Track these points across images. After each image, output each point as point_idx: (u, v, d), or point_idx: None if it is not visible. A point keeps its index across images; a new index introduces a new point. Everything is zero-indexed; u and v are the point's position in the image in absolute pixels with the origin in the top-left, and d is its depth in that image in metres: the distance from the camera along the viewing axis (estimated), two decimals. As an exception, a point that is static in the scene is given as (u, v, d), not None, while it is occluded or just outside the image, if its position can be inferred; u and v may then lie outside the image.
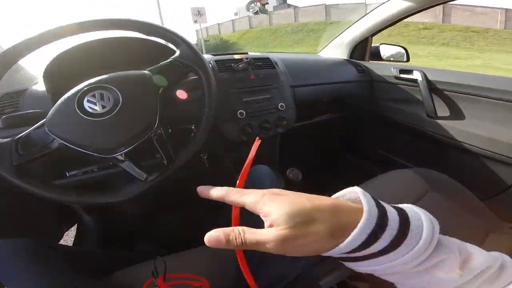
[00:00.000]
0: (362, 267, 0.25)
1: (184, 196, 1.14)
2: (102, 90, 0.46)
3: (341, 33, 1.29)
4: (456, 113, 0.98)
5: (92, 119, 0.44)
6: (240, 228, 0.24)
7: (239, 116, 0.79)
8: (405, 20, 1.11)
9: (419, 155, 1.13)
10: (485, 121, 0.90)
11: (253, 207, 0.25)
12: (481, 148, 0.89)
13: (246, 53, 0.99)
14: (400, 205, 0.26)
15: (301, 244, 0.22)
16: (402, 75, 1.08)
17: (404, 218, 0.24)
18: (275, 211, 0.23)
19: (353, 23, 1.23)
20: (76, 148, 0.43)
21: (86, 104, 0.45)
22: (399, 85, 1.12)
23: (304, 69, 1.08)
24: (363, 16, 1.18)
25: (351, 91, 1.18)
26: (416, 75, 1.01)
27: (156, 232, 1.07)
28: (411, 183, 0.83)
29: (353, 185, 0.75)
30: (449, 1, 0.95)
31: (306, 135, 1.44)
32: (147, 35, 0.55)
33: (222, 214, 0.74)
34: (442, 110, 1.01)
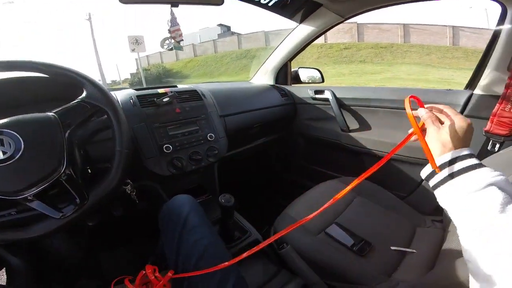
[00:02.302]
0: (440, 192, 0.37)
1: (124, 233, 1.10)
2: (1, 135, 0.45)
3: (265, 60, 1.42)
4: (363, 125, 1.15)
5: None
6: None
7: (166, 150, 0.79)
8: (329, 42, 1.29)
9: (342, 165, 1.26)
10: (385, 128, 1.08)
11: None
12: (387, 153, 1.05)
13: (175, 86, 1.02)
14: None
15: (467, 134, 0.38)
16: (317, 96, 1.23)
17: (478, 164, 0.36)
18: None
19: (273, 51, 1.37)
20: None
21: None
22: (316, 105, 1.27)
23: (233, 98, 1.14)
24: (280, 44, 1.32)
25: (278, 114, 1.28)
26: (327, 95, 1.17)
27: (98, 269, 1.02)
28: (339, 191, 0.92)
29: (291, 200, 0.86)
30: (343, 22, 1.11)
31: (246, 160, 1.50)
32: (50, 76, 0.54)
33: (158, 245, 0.73)
34: (353, 123, 1.17)
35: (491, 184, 0.33)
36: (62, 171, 0.47)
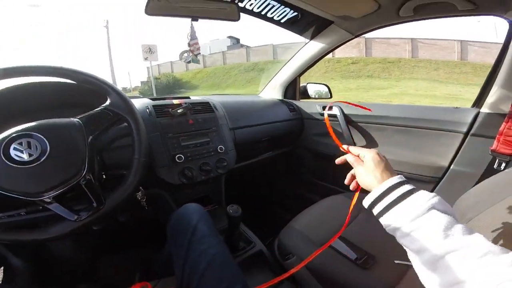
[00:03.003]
0: (385, 221, 0.40)
1: (127, 238, 1.11)
2: (29, 138, 0.48)
3: (275, 75, 1.45)
4: (371, 142, 1.16)
5: (19, 166, 0.45)
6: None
7: (178, 160, 0.82)
8: (336, 56, 1.32)
9: None
10: (392, 146, 1.09)
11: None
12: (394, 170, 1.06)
13: (188, 97, 1.06)
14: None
15: (373, 172, 0.43)
16: (324, 111, 1.25)
17: (414, 189, 0.39)
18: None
19: (283, 66, 1.40)
20: (2, 192, 0.44)
21: (13, 152, 0.46)
22: (324, 121, 1.28)
23: (243, 111, 1.17)
24: (290, 59, 1.35)
25: (286, 129, 1.30)
26: (335, 111, 1.19)
27: (99, 274, 1.02)
28: (345, 206, 0.93)
29: (296, 213, 0.91)
30: (353, 39, 1.15)
31: (252, 172, 1.52)
32: (77, 83, 0.57)
33: (163, 252, 0.74)
34: (359, 140, 1.18)
35: (431, 208, 0.35)
36: (82, 176, 0.49)
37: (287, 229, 0.84)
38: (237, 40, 21.40)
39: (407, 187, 0.39)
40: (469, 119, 0.90)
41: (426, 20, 0.99)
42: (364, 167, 0.46)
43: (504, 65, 0.82)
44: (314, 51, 1.23)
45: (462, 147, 0.91)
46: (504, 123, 0.80)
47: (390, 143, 1.10)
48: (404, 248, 0.38)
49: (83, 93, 0.71)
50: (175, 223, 0.68)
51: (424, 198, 0.36)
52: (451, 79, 11.76)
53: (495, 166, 0.82)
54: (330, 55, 13.98)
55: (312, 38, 1.20)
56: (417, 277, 0.68)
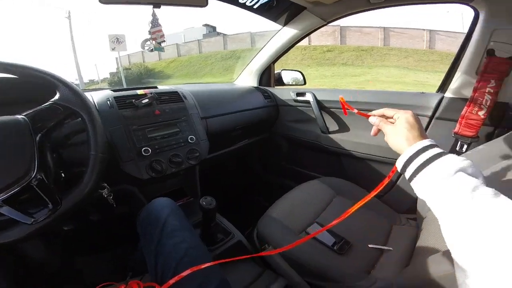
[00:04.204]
0: (415, 184, 0.39)
1: (104, 237, 1.08)
2: None
3: (250, 62, 1.42)
4: (343, 127, 1.18)
5: None
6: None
7: (144, 153, 0.77)
8: (313, 44, 1.31)
9: (322, 166, 1.29)
10: (363, 130, 1.11)
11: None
12: (365, 153, 1.09)
13: (155, 87, 1.00)
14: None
15: (405, 134, 0.43)
16: (298, 98, 1.25)
17: (444, 152, 0.39)
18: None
19: (258, 53, 1.37)
20: None
21: None
22: (298, 107, 1.29)
23: (216, 99, 1.13)
24: (264, 46, 1.33)
25: (261, 116, 1.29)
26: (308, 97, 1.19)
27: (80, 275, 1.00)
28: (320, 191, 0.95)
29: (274, 200, 0.89)
30: (325, 25, 1.14)
31: (228, 162, 1.50)
32: (19, 77, 0.52)
33: (138, 251, 0.72)
34: (332, 125, 1.20)
35: (459, 170, 0.35)
36: (33, 176, 0.46)
37: (264, 218, 0.83)
38: (214, 28, 20.76)
39: (436, 150, 0.39)
40: (434, 103, 0.94)
41: (397, 7, 1.00)
42: (396, 128, 0.44)
43: (467, 52, 0.86)
44: (287, 38, 1.22)
45: (428, 130, 0.95)
46: (466, 107, 0.84)
47: (362, 127, 1.12)
48: (435, 213, 0.38)
49: (29, 88, 0.66)
50: (143, 219, 0.66)
51: (453, 161, 0.36)
52: (420, 66, 12.40)
53: (457, 148, 0.86)
54: (306, 43, 14.26)
55: (285, 24, 1.18)
56: (392, 261, 0.72)
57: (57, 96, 0.52)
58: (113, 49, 8.61)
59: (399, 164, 0.43)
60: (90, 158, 0.53)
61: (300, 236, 0.77)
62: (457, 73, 0.89)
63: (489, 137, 0.86)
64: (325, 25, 1.13)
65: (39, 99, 0.54)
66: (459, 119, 0.85)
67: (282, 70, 1.44)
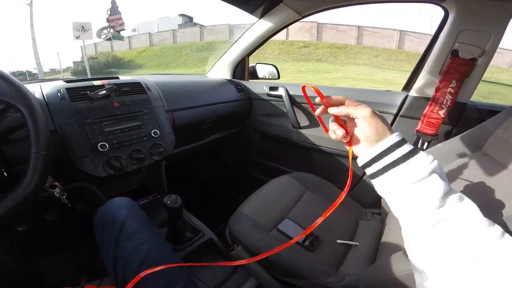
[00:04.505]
0: (380, 183, 0.37)
1: (64, 237, 1.00)
2: None
3: (223, 54, 1.37)
4: (313, 122, 1.19)
5: None
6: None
7: (101, 149, 0.70)
8: (290, 39, 1.28)
9: (294, 161, 1.30)
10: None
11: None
12: (334, 149, 1.11)
13: (117, 77, 0.92)
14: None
15: (373, 123, 0.37)
16: (271, 92, 1.23)
17: (416, 149, 0.36)
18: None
19: (232, 45, 1.33)
20: None
21: None
22: (271, 101, 1.27)
23: (184, 91, 1.08)
24: (239, 38, 1.29)
25: (233, 109, 1.25)
26: (281, 91, 1.18)
27: (42, 276, 0.93)
28: (290, 186, 0.94)
29: (247, 195, 0.86)
30: (300, 20, 1.14)
31: (199, 156, 1.45)
32: None
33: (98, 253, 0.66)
34: (303, 120, 1.20)
35: (432, 172, 0.33)
36: None
37: (236, 215, 0.81)
38: (190, 19, 20.03)
39: (408, 147, 0.35)
40: (399, 101, 0.97)
41: (370, 5, 1.01)
42: (366, 120, 0.37)
43: (432, 53, 0.89)
44: (262, 30, 1.19)
45: (392, 127, 0.99)
46: (428, 106, 0.88)
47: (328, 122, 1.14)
48: (394, 213, 0.36)
49: None
50: (99, 221, 0.61)
51: (426, 161, 0.34)
52: (388, 65, 13.11)
53: (418, 146, 0.90)
54: (283, 37, 14.33)
55: (261, 17, 1.15)
56: (359, 257, 0.74)
57: None
58: (77, 37, 8.02)
59: (360, 161, 0.39)
60: (31, 157, 0.48)
61: (271, 233, 0.76)
62: (422, 72, 0.92)
63: (447, 136, 0.91)
64: (300, 19, 1.12)
65: None
66: (422, 117, 0.89)
67: (257, 63, 1.41)
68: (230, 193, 1.52)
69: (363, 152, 0.39)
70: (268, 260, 0.69)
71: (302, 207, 0.87)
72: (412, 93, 0.95)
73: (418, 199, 0.33)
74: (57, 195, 0.66)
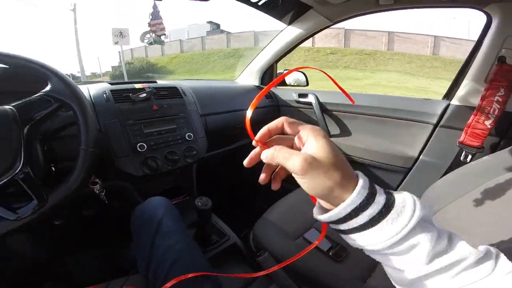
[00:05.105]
0: (350, 240, 0.27)
1: (94, 233, 1.05)
2: None
3: (252, 60, 1.40)
4: (344, 131, 1.16)
5: None
6: (277, 146, 0.28)
7: (139, 149, 0.75)
8: (316, 46, 1.28)
9: None
10: (365, 134, 1.09)
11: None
12: (366, 159, 1.07)
13: (155, 81, 0.97)
14: (395, 192, 0.27)
15: (315, 178, 0.25)
16: (300, 99, 1.22)
17: (389, 201, 0.25)
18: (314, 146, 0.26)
19: (260, 51, 1.35)
20: None
21: None
22: (299, 108, 1.26)
23: (216, 97, 1.11)
24: (267, 45, 1.30)
25: (261, 116, 1.26)
26: (311, 98, 1.17)
27: (65, 272, 0.97)
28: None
29: (271, 202, 0.82)
30: (331, 26, 1.12)
31: (226, 161, 1.47)
32: (10, 67, 0.50)
33: (130, 250, 0.69)
34: (334, 128, 1.18)
35: (415, 227, 0.25)
36: (18, 170, 0.44)
37: (261, 221, 0.81)
38: (217, 26, 20.69)
39: (381, 199, 0.25)
40: (439, 110, 0.91)
41: (404, 10, 0.98)
42: (314, 163, 0.25)
43: (476, 59, 0.83)
44: (291, 37, 1.19)
45: (431, 138, 0.93)
46: (472, 115, 0.81)
47: (363, 132, 1.10)
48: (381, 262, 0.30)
49: (20, 79, 0.63)
50: (137, 218, 0.64)
51: (407, 214, 0.25)
52: (422, 72, 12.41)
53: (461, 158, 0.84)
54: (309, 45, 14.28)
55: (290, 23, 1.15)
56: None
57: (48, 87, 0.51)
58: (116, 43, 8.61)
59: (323, 217, 0.27)
60: (80, 153, 0.51)
61: (297, 241, 0.75)
62: (465, 80, 0.87)
63: (494, 148, 0.84)
64: (331, 25, 1.11)
65: (29, 90, 0.52)
66: (465, 128, 0.83)
67: (285, 70, 1.41)
68: (254, 199, 1.53)
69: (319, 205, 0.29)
70: (294, 268, 0.68)
71: None
72: (455, 101, 0.90)
73: (401, 258, 0.26)
74: (97, 192, 0.71)
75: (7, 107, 0.48)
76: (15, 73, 0.63)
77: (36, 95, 0.50)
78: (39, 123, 0.50)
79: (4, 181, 0.43)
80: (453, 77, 0.94)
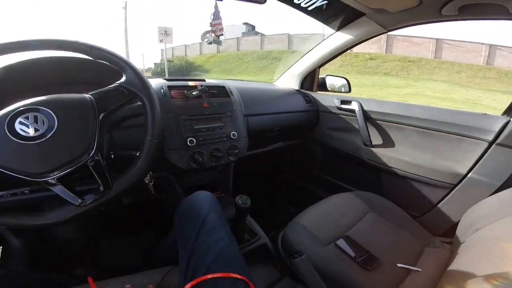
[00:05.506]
0: None
1: (130, 222, 1.11)
2: (37, 112, 0.45)
3: (293, 64, 1.40)
4: (387, 141, 1.12)
5: (23, 142, 0.42)
6: None
7: (189, 144, 0.80)
8: (354, 51, 1.27)
9: (358, 179, 1.23)
10: (409, 147, 1.05)
11: None
12: (409, 172, 1.03)
13: (203, 80, 1.02)
14: None
15: None
16: (342, 106, 1.20)
17: None
18: None
19: (303, 55, 1.35)
20: (3, 171, 0.41)
21: (18, 126, 0.43)
22: (341, 115, 1.24)
23: (258, 98, 1.14)
24: (312, 49, 1.30)
25: (300, 120, 1.26)
26: (354, 106, 1.14)
27: (98, 257, 1.01)
28: (353, 205, 0.92)
29: (300, 207, 0.79)
30: (380, 34, 1.09)
31: (260, 162, 1.50)
32: (94, 58, 0.54)
33: (167, 239, 0.73)
34: (376, 138, 1.14)
35: None
36: (91, 156, 0.46)
37: (293, 224, 0.82)
38: (253, 27, 20.94)
39: None
40: (498, 127, 0.85)
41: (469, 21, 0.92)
42: None
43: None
44: (339, 43, 1.18)
45: (485, 155, 0.87)
46: (537, 135, 0.74)
47: (408, 144, 1.05)
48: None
49: (96, 70, 0.69)
50: (184, 211, 0.65)
51: None
52: (473, 83, 11.30)
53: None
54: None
55: (339, 29, 1.14)
56: (418, 283, 0.67)
57: (123, 79, 0.54)
58: (161, 41, 9.12)
59: None
60: (145, 143, 0.53)
61: (329, 247, 0.75)
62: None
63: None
64: (385, 33, 1.08)
65: (101, 82, 0.56)
66: (527, 148, 0.76)
67: (327, 75, 1.40)
68: (283, 202, 1.54)
69: None
70: (326, 273, 0.68)
71: (363, 227, 0.84)
72: (517, 119, 0.82)
73: None
74: (146, 181, 0.75)
75: (87, 96, 0.51)
76: (90, 63, 0.68)
77: (111, 85, 0.53)
78: (111, 113, 0.53)
79: (78, 165, 0.45)
80: (508, 89, 0.85)
